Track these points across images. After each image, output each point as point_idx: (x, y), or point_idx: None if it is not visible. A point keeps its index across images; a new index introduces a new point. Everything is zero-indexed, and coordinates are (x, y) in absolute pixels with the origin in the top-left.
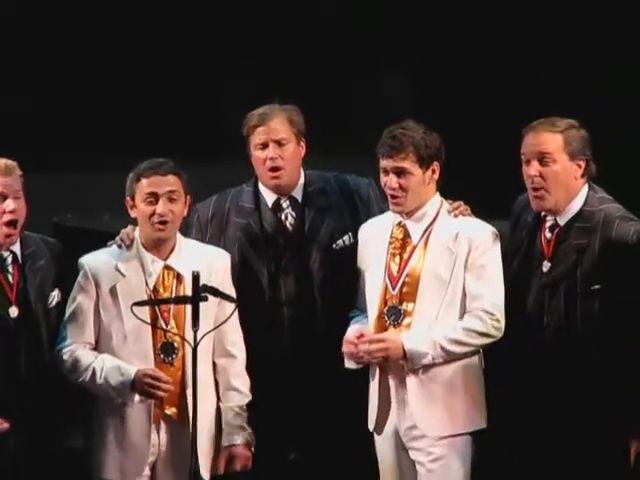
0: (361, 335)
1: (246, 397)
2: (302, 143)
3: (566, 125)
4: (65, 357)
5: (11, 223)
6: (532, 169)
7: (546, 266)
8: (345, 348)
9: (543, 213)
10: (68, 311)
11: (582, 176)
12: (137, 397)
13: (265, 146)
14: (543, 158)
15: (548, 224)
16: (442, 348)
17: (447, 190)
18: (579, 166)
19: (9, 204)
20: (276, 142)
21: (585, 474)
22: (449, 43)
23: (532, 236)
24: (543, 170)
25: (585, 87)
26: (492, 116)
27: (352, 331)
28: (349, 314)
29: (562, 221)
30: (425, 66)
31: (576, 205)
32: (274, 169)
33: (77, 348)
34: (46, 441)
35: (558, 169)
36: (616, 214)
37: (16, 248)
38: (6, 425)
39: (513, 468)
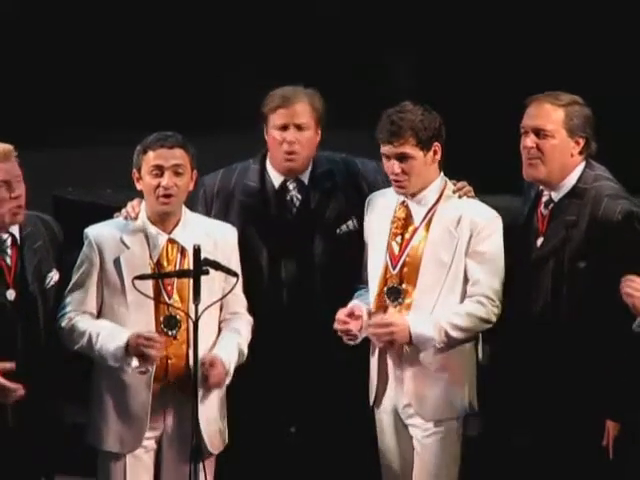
0: (352, 313)
1: (243, 350)
2: (319, 130)
3: (569, 100)
4: (63, 324)
5: (18, 207)
6: (529, 140)
7: (539, 242)
8: (336, 325)
9: (541, 188)
10: (72, 280)
11: (580, 153)
12: (135, 362)
13: (285, 128)
14: (541, 131)
15: (544, 199)
16: (446, 334)
17: (454, 169)
18: (577, 143)
19: (14, 190)
20: (297, 126)
21: (566, 452)
22: (454, 20)
23: (530, 212)
24: (540, 142)
25: (590, 66)
26: (498, 93)
27: (344, 309)
28: (355, 286)
29: (556, 197)
30: (430, 44)
31: (570, 181)
32: (291, 153)
33: (75, 315)
34: (43, 422)
35: (555, 143)
36: (607, 192)
37: (15, 230)
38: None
39: (505, 444)
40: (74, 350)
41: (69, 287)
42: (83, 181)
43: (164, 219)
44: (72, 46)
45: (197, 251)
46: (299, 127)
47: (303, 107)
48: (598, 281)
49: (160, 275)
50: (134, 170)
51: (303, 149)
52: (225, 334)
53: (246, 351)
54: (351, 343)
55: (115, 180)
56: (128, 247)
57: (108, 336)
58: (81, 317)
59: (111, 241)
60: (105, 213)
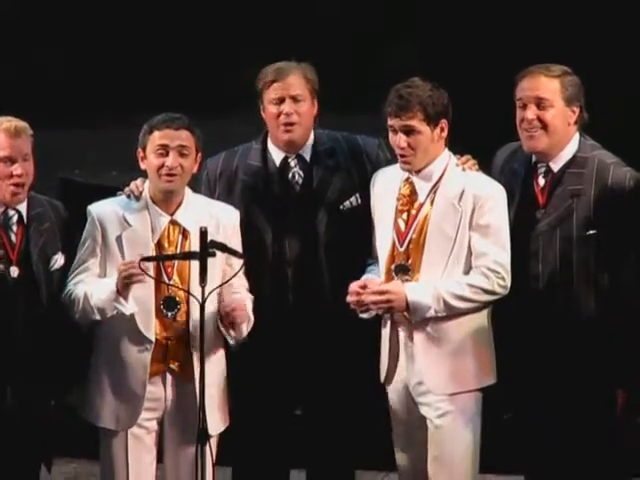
0: (365, 286)
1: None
2: (315, 102)
3: (562, 71)
4: (66, 298)
5: (18, 185)
6: (530, 112)
7: (540, 213)
8: (348, 298)
9: (534, 160)
10: (77, 257)
11: (575, 123)
12: (132, 303)
13: (281, 101)
14: (540, 102)
15: (541, 171)
16: (445, 303)
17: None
18: (573, 112)
19: (16, 168)
20: (292, 98)
21: (575, 425)
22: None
23: (524, 184)
24: (540, 113)
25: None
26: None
27: (357, 281)
28: (366, 261)
29: (556, 167)
30: (434, 24)
31: (569, 151)
32: (288, 124)
33: (74, 286)
34: (42, 402)
35: (555, 113)
36: (609, 160)
37: (22, 208)
38: None
39: (504, 421)
40: (78, 318)
41: (74, 264)
42: (89, 163)
43: (167, 199)
44: (80, 29)
45: (204, 233)
46: (295, 99)
47: (297, 79)
48: (609, 247)
49: (167, 257)
50: (139, 149)
51: (301, 120)
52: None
53: (252, 317)
54: (364, 316)
55: (120, 162)
56: (130, 225)
57: (100, 287)
58: (79, 285)
59: (113, 218)
60: (111, 195)
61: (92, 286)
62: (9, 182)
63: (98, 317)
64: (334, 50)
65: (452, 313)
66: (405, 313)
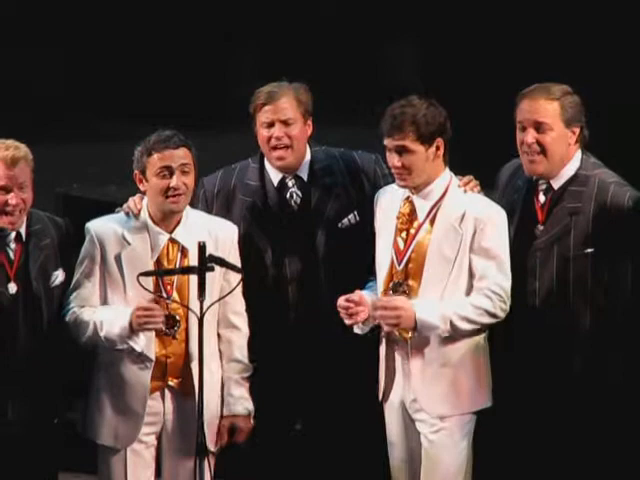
0: (348, 300)
1: (249, 369)
2: (309, 122)
3: (561, 92)
4: (68, 319)
5: (13, 214)
6: (529, 136)
7: (539, 230)
8: (340, 310)
9: (535, 177)
10: (75, 276)
11: (576, 142)
12: (142, 339)
13: (271, 125)
14: (540, 126)
15: (541, 188)
16: (452, 324)
17: (461, 164)
18: (574, 132)
19: (12, 197)
20: (282, 122)
21: (572, 440)
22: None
23: (525, 201)
24: (540, 137)
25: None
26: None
27: (344, 296)
28: (366, 279)
29: (556, 184)
30: (432, 33)
31: (570, 169)
32: (278, 147)
33: (79, 310)
34: (43, 418)
35: (554, 136)
36: (610, 179)
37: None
38: None
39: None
40: (83, 343)
41: (73, 283)
42: (88, 177)
43: (166, 217)
44: (80, 41)
45: (202, 248)
46: (285, 123)
47: (287, 102)
48: (606, 265)
49: (166, 272)
50: (136, 172)
51: (292, 142)
52: (229, 374)
53: (251, 369)
54: (357, 331)
55: (120, 176)
56: (129, 243)
57: (111, 320)
58: (83, 309)
59: (112, 237)
60: (110, 210)
61: (102, 315)
62: (5, 211)
63: (106, 345)
64: (334, 50)
65: (455, 334)
66: (406, 332)
